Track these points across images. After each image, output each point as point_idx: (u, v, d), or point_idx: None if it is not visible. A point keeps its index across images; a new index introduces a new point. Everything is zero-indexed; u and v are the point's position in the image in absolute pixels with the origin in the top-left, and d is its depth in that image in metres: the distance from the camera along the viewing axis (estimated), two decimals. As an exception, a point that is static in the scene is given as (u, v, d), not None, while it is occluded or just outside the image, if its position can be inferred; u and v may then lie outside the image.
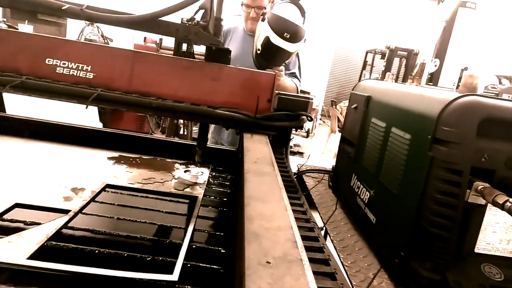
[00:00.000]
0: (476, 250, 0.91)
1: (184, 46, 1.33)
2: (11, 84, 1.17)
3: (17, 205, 1.03)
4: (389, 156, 1.11)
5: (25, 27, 4.08)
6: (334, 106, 8.11)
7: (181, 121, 5.10)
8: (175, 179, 1.45)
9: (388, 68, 8.34)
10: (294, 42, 1.79)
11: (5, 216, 0.97)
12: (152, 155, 1.68)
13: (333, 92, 12.96)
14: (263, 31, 1.71)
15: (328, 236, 1.23)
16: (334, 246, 1.13)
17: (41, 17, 4.89)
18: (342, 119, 6.49)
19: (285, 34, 1.78)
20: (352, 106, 1.49)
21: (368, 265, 1.05)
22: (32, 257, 0.79)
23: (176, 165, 1.61)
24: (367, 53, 9.78)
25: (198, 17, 1.25)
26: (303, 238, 0.75)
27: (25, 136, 1.64)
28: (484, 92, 1.46)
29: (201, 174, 1.52)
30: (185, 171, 1.54)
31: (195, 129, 5.06)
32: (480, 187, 0.84)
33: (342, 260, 1.04)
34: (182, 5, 1.16)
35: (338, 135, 6.76)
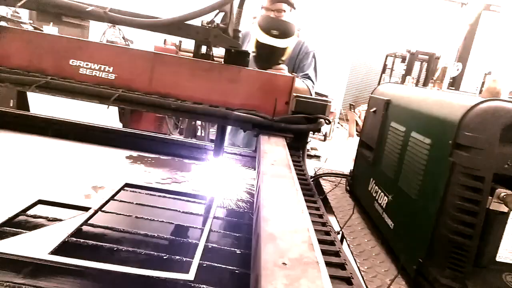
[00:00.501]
0: (497, 259, 0.89)
1: (204, 49, 1.35)
2: (37, 84, 1.21)
3: (40, 202, 1.06)
4: (409, 161, 1.10)
5: (50, 29, 4.19)
6: (352, 110, 8.05)
7: (199, 122, 5.13)
8: (192, 179, 1.47)
9: (408, 71, 8.22)
10: (283, 37, 1.84)
11: (29, 212, 1.00)
12: (170, 155, 1.71)
13: (351, 96, 12.85)
14: (253, 33, 1.75)
15: (344, 240, 1.22)
16: (351, 251, 1.12)
17: (65, 19, 5.02)
18: (360, 123, 6.43)
19: (272, 31, 1.83)
20: (371, 110, 1.48)
21: (385, 271, 1.03)
22: (54, 252, 0.81)
23: (194, 166, 1.63)
24: (387, 56, 9.68)
25: (218, 20, 1.27)
26: (319, 241, 0.75)
27: (49, 135, 1.68)
28: (508, 97, 1.42)
29: (218, 175, 1.53)
30: (202, 172, 1.55)
31: (213, 130, 5.09)
32: (502, 194, 0.82)
33: (358, 265, 1.03)
34: (205, 11, 1.18)
35: (356, 139, 6.70)
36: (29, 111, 3.11)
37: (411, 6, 12.08)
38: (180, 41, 6.12)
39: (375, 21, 12.29)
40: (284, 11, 2.21)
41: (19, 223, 0.95)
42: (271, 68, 2.02)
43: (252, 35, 2.51)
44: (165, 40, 6.66)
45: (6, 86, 1.21)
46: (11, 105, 3.38)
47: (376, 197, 1.28)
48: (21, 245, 0.82)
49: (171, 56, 1.34)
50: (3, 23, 1.36)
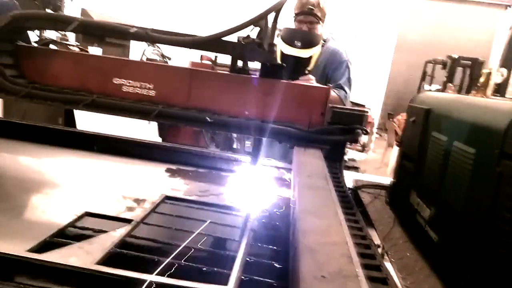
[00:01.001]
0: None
1: (240, 63, 1.38)
2: (84, 102, 1.28)
3: (87, 214, 1.12)
4: (452, 172, 1.05)
5: (95, 50, 4.43)
6: (391, 119, 7.83)
7: (235, 135, 5.20)
8: (229, 192, 1.49)
9: (450, 78, 7.90)
10: (307, 48, 1.88)
11: (77, 224, 1.05)
12: (207, 168, 1.74)
13: (390, 105, 12.50)
14: (278, 46, 1.79)
15: (385, 254, 1.18)
16: (392, 265, 1.08)
17: (108, 39, 5.29)
18: (400, 133, 6.24)
19: (296, 42, 1.87)
20: (411, 119, 1.44)
21: (430, 287, 0.99)
22: (99, 262, 0.85)
23: (230, 178, 1.65)
24: (426, 63, 9.37)
25: (253, 36, 1.30)
26: (359, 255, 0.74)
27: (94, 150, 1.77)
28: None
29: (254, 188, 1.54)
30: (239, 184, 1.57)
31: (248, 143, 5.13)
32: (557, 206, 0.77)
33: (401, 280, 0.99)
34: (241, 27, 1.22)
35: (395, 149, 6.50)
36: (76, 127, 3.29)
37: (452, 10, 11.68)
38: (216, 56, 6.26)
39: (415, 27, 11.97)
40: (314, 23, 2.24)
41: (68, 234, 1.00)
42: (298, 79, 2.04)
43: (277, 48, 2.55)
44: (201, 56, 6.85)
45: (57, 105, 1.30)
46: (60, 122, 3.59)
47: (418, 210, 1.24)
48: (70, 255, 0.86)
49: (207, 71, 1.39)
50: (53, 46, 1.46)
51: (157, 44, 5.10)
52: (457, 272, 0.94)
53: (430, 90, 7.56)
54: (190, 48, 1.29)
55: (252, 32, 1.30)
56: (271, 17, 1.28)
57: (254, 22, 1.23)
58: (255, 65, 1.39)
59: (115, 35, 1.31)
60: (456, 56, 7.90)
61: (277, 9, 1.23)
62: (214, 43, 1.26)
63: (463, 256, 0.93)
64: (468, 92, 7.67)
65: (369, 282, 0.74)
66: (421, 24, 12.06)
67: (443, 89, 7.59)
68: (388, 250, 1.18)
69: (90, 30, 1.32)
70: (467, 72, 8.18)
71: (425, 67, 9.37)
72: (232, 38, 1.29)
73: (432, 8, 11.88)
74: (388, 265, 0.99)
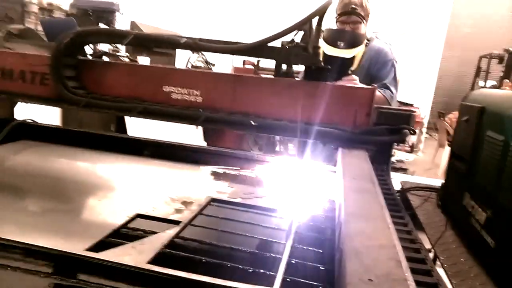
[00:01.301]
0: None
1: (284, 67, 1.39)
2: (137, 110, 1.35)
3: (138, 216, 1.17)
4: (510, 173, 0.99)
5: (143, 59, 4.65)
6: (442, 118, 7.46)
7: (277, 138, 5.20)
8: (273, 194, 1.49)
9: (507, 74, 7.39)
10: (350, 48, 1.85)
11: (129, 225, 1.11)
12: (251, 171, 1.76)
13: (440, 103, 11.92)
14: (321, 47, 1.78)
15: (437, 259, 1.13)
16: (445, 270, 1.03)
17: (155, 49, 5.54)
18: (451, 132, 5.93)
19: (339, 43, 1.84)
20: (463, 119, 1.37)
21: (487, 295, 0.94)
22: (151, 262, 0.89)
23: (274, 181, 1.66)
24: (481, 58, 8.82)
25: (297, 40, 1.30)
26: (408, 259, 0.71)
27: (144, 155, 1.86)
28: None
29: (299, 190, 1.54)
30: (283, 187, 1.57)
31: (291, 145, 5.12)
32: None
33: (454, 286, 0.95)
34: (286, 32, 1.24)
35: (447, 149, 6.19)
36: (127, 133, 3.45)
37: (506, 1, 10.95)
38: (258, 61, 6.33)
39: (465, 19, 11.34)
40: (357, 22, 2.20)
41: (121, 235, 1.05)
42: (341, 79, 2.01)
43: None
44: (244, 61, 6.95)
45: (112, 112, 1.38)
46: (112, 129, 3.79)
47: (473, 213, 1.17)
48: (124, 255, 0.91)
49: (251, 76, 1.41)
50: (105, 58, 1.55)
51: (201, 52, 5.25)
52: (517, 279, 0.88)
53: (484, 87, 7.13)
54: (237, 55, 1.34)
55: (296, 36, 1.31)
56: (315, 21, 1.28)
57: (298, 26, 1.24)
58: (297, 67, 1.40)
59: (167, 46, 1.39)
60: (514, 50, 7.37)
61: (321, 12, 1.23)
62: (259, 49, 1.29)
63: (524, 263, 0.87)
64: (528, 87, 7.13)
65: (419, 287, 0.71)
66: (474, 15, 11.38)
67: (500, 86, 7.12)
68: (440, 255, 1.13)
69: (144, 42, 1.40)
70: (526, 66, 7.61)
71: (479, 62, 8.82)
72: (276, 42, 1.31)
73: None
74: (440, 270, 0.95)
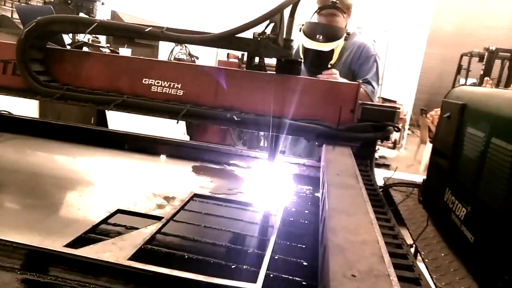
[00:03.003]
0: None
1: (257, 60, 1.37)
2: (115, 103, 1.31)
3: (119, 211, 1.15)
4: (489, 169, 1.01)
5: (125, 51, 4.55)
6: (424, 115, 7.58)
7: (262, 133, 5.20)
8: (257, 190, 1.49)
9: (487, 72, 7.56)
10: (328, 41, 1.86)
11: (109, 221, 1.08)
12: (234, 166, 1.75)
13: (422, 100, 12.12)
14: (299, 40, 1.77)
15: (418, 254, 1.15)
16: (426, 266, 1.05)
17: (137, 41, 5.43)
18: (433, 129, 6.04)
19: (318, 36, 1.85)
20: (445, 115, 1.39)
21: (466, 289, 0.95)
22: (131, 258, 0.87)
23: (257, 176, 1.65)
24: (462, 56, 9.00)
25: (269, 31, 1.28)
26: (390, 254, 0.71)
27: (125, 149, 1.82)
28: None
29: (283, 186, 1.53)
30: (266, 182, 1.57)
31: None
32: None
33: (435, 281, 0.96)
34: (255, 22, 1.21)
35: (429, 146, 6.30)
36: (107, 127, 3.39)
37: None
38: (243, 54, 6.28)
39: (448, 18, 11.52)
40: (337, 16, 2.21)
41: (101, 231, 1.03)
42: (321, 73, 2.01)
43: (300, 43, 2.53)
44: (228, 54, 6.89)
45: (89, 105, 1.34)
46: (92, 122, 3.71)
47: (453, 208, 1.19)
48: (104, 251, 0.89)
49: (233, 70, 1.39)
50: (85, 49, 1.50)
51: (185, 44, 5.18)
52: (494, 273, 0.90)
53: (465, 85, 7.27)
54: (205, 45, 1.30)
55: (268, 28, 1.29)
56: (287, 12, 1.25)
57: (268, 17, 1.21)
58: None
59: (132, 34, 1.35)
60: (494, 48, 7.54)
61: (293, 2, 1.20)
62: (227, 40, 1.26)
63: (500, 257, 0.89)
64: (507, 86, 7.32)
65: (401, 282, 0.72)
66: (456, 14, 11.59)
67: (480, 83, 7.28)
68: (421, 250, 1.14)
69: (109, 31, 1.36)
70: (506, 64, 7.79)
71: (460, 60, 9.01)
72: (248, 34, 1.28)
73: (465, -2, 11.42)
74: (421, 265, 0.96)
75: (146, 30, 1.27)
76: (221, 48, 1.29)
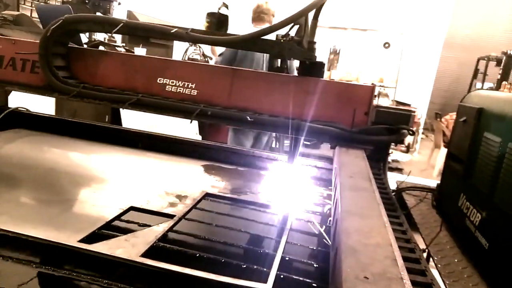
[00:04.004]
0: None
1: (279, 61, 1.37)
2: (130, 101, 1.33)
3: (132, 208, 1.16)
4: (506, 175, 0.99)
5: (140, 50, 4.60)
6: (438, 119, 7.47)
7: (273, 134, 5.19)
8: (269, 190, 1.49)
9: (504, 76, 7.40)
10: None
11: (123, 218, 1.10)
12: (247, 166, 1.75)
13: (437, 104, 11.94)
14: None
15: (431, 259, 1.13)
16: (438, 271, 1.03)
17: (152, 40, 5.47)
18: (448, 133, 5.95)
19: None
20: (461, 119, 1.37)
21: (480, 296, 0.94)
22: (143, 255, 0.88)
23: (269, 177, 1.65)
24: (478, 60, 8.84)
25: (293, 33, 1.28)
26: (403, 259, 0.71)
27: (139, 147, 1.84)
28: None
29: (294, 187, 1.53)
30: (278, 183, 1.57)
31: (287, 142, 5.10)
32: None
33: (447, 287, 0.95)
34: (280, 25, 1.21)
35: (443, 150, 6.20)
36: (121, 125, 3.43)
37: (506, 1, 10.93)
38: (257, 56, 6.26)
39: (465, 21, 11.33)
40: None
41: (114, 227, 1.04)
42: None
43: None
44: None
45: (104, 104, 1.36)
46: (106, 120, 3.75)
47: (468, 214, 1.17)
48: (116, 247, 0.90)
49: (248, 70, 1.39)
50: (101, 48, 1.52)
51: (199, 44, 5.20)
52: (508, 280, 0.88)
53: (482, 89, 7.14)
54: (230, 47, 1.31)
55: (293, 30, 1.29)
56: (311, 15, 1.26)
57: (294, 19, 1.21)
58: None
59: (157, 35, 1.36)
60: (512, 52, 7.39)
61: (317, 6, 1.20)
62: (252, 42, 1.26)
63: (518, 265, 0.87)
64: (524, 90, 7.15)
65: (414, 287, 0.71)
66: (474, 18, 11.39)
67: (498, 88, 7.14)
68: (434, 255, 1.13)
69: (134, 31, 1.38)
70: (524, 69, 7.63)
71: (477, 64, 8.84)
72: (271, 36, 1.28)
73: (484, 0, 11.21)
74: (433, 271, 0.95)
75: (172, 31, 1.29)
76: (246, 49, 1.30)
